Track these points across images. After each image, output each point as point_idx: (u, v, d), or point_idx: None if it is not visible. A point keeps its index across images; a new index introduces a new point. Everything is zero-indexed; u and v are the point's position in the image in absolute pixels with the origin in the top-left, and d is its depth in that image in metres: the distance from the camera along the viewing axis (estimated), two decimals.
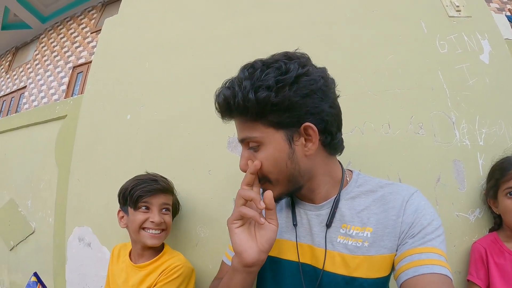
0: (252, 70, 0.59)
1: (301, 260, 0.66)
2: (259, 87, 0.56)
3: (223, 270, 0.79)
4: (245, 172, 0.62)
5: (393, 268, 0.61)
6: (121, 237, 1.16)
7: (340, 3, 1.14)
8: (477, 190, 0.89)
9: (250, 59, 1.15)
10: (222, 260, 0.81)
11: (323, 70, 0.63)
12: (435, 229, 0.58)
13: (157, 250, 1.02)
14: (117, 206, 1.06)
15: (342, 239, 0.63)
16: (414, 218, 0.59)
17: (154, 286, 0.93)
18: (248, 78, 0.58)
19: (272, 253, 0.68)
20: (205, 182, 1.12)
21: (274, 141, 0.60)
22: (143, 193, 0.96)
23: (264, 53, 1.14)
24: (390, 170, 0.91)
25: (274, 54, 0.63)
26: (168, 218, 1.01)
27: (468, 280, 0.86)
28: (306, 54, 0.64)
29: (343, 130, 0.94)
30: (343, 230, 0.63)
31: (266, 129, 0.59)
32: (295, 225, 0.67)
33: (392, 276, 0.63)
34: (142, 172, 1.20)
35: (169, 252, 1.02)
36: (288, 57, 0.60)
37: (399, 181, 0.90)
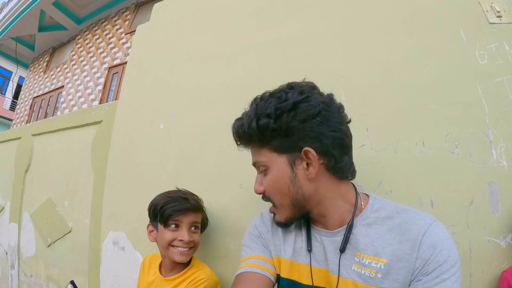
0: (259, 101, 0.67)
1: (317, 284, 0.69)
2: (261, 115, 0.64)
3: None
4: (258, 194, 0.71)
5: None
6: (153, 245, 1.22)
7: (374, 11, 1.10)
8: (511, 215, 0.85)
9: (282, 69, 1.18)
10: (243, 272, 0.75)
11: (328, 96, 0.67)
12: (451, 267, 0.57)
13: (185, 263, 1.07)
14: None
15: (356, 268, 0.64)
16: (430, 254, 0.58)
17: None
18: (254, 109, 0.66)
19: (291, 277, 0.72)
20: (236, 195, 1.16)
21: (278, 165, 0.66)
22: (174, 212, 1.00)
23: (296, 63, 1.17)
24: (422, 192, 0.89)
25: (282, 85, 0.69)
26: (197, 236, 1.05)
27: None
28: (312, 83, 0.69)
29: (376, 147, 0.95)
30: (357, 258, 0.64)
31: (270, 153, 0.66)
32: (309, 250, 0.70)
33: None
34: (173, 184, 1.26)
35: (196, 265, 1.07)
36: (290, 87, 0.66)
37: (431, 204, 0.87)
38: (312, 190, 0.65)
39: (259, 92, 1.22)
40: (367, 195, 0.72)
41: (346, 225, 0.66)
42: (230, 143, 1.22)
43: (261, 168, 0.69)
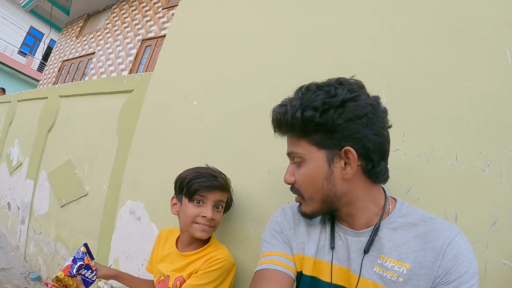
0: (305, 91, 0.65)
1: (336, 282, 0.69)
2: (307, 107, 0.62)
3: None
4: (288, 184, 0.70)
5: None
6: (171, 219, 1.23)
7: (426, 17, 1.09)
8: None
9: (324, 62, 1.16)
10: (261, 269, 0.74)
11: (375, 99, 0.66)
12: (471, 278, 0.58)
13: (204, 241, 1.06)
14: (172, 188, 1.11)
15: (378, 269, 0.64)
16: (452, 264, 0.59)
17: (195, 273, 0.98)
18: (299, 98, 0.64)
19: (313, 274, 0.72)
20: (263, 181, 1.14)
21: (315, 160, 0.65)
22: (201, 187, 0.99)
23: (340, 57, 1.14)
24: (448, 204, 0.90)
25: (330, 79, 0.68)
26: (219, 215, 1.03)
27: None
28: (360, 82, 0.67)
29: (410, 153, 0.95)
30: (380, 260, 0.64)
31: (309, 146, 0.65)
32: (332, 248, 0.70)
33: None
34: (201, 161, 1.25)
35: (214, 244, 1.06)
36: (340, 82, 0.65)
37: (455, 218, 0.88)
38: (345, 190, 0.65)
39: (297, 81, 1.21)
40: (394, 199, 0.73)
41: (372, 227, 0.67)
42: (263, 127, 1.22)
43: (296, 159, 0.68)
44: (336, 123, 0.61)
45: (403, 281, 0.61)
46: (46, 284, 0.99)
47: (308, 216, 0.71)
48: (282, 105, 0.68)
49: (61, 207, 2.09)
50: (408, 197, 0.92)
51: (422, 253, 0.61)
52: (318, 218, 0.75)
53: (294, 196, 1.11)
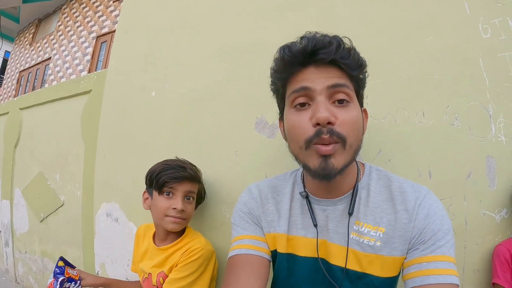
0: (335, 37, 0.59)
1: (314, 255, 0.68)
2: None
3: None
4: (325, 124, 0.56)
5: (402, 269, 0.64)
6: (147, 215, 1.22)
7: None
8: (507, 189, 0.88)
9: (281, 33, 1.14)
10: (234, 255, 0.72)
11: None
12: (445, 234, 0.59)
13: (179, 232, 1.07)
14: (143, 184, 1.11)
15: (355, 236, 0.64)
16: (425, 223, 0.59)
17: (175, 266, 0.99)
18: (337, 37, 0.59)
19: (288, 250, 0.71)
20: (231, 162, 1.15)
21: (357, 107, 0.61)
22: (169, 179, 0.99)
23: (298, 26, 1.12)
24: (420, 162, 0.91)
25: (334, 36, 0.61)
26: (190, 207, 1.03)
27: (494, 284, 0.85)
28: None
29: (376, 115, 0.96)
30: (356, 226, 0.64)
31: (352, 92, 0.61)
32: (315, 225, 0.68)
33: (400, 276, 0.65)
34: (168, 152, 1.25)
35: (190, 234, 1.07)
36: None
37: (429, 175, 0.90)
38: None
39: (255, 58, 1.22)
40: (362, 163, 0.73)
41: (347, 193, 0.67)
42: (224, 108, 1.22)
43: (342, 96, 0.58)
44: (364, 82, 0.64)
45: (380, 245, 0.62)
46: None
47: (334, 173, 0.58)
48: (324, 35, 0.58)
49: (41, 221, 2.07)
50: (379, 160, 0.93)
51: (395, 215, 0.62)
52: (286, 194, 0.73)
53: (264, 174, 1.14)
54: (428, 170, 0.90)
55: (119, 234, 1.43)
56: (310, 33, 0.59)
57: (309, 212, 0.69)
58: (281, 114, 0.69)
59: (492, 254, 0.87)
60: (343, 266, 0.65)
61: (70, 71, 6.76)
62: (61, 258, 1.05)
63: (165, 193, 1.01)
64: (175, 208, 0.99)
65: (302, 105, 0.59)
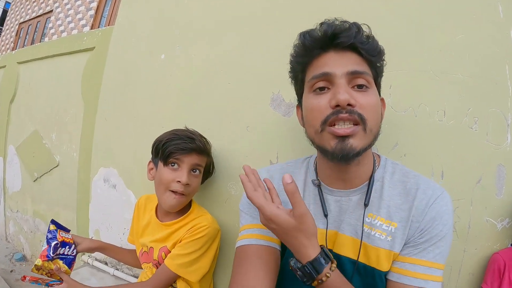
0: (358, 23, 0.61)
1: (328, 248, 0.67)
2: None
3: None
4: (345, 106, 0.57)
5: None
6: (148, 185, 1.18)
7: None
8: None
9: (298, 8, 1.06)
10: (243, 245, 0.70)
11: None
12: (440, 241, 0.60)
13: (185, 208, 1.03)
14: (146, 152, 1.06)
15: (367, 228, 0.64)
16: (428, 226, 0.60)
17: (179, 242, 0.96)
18: (357, 24, 0.61)
19: None
20: (241, 138, 1.09)
21: (376, 93, 0.63)
22: (176, 150, 0.93)
23: (316, 7, 1.04)
24: (435, 161, 0.91)
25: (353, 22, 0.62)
26: (196, 181, 0.98)
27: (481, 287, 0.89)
28: None
29: (397, 107, 0.94)
30: (369, 219, 0.64)
31: (371, 78, 0.61)
32: (326, 215, 0.67)
33: None
34: (174, 121, 1.19)
35: (196, 210, 1.03)
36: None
37: (441, 175, 0.90)
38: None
39: (273, 28, 1.13)
40: (378, 155, 0.72)
41: (365, 183, 0.66)
42: (240, 81, 1.15)
43: (361, 82, 0.59)
44: (382, 70, 0.64)
45: (391, 240, 0.62)
46: (23, 278, 0.91)
47: (352, 154, 0.58)
48: (345, 22, 0.60)
49: (34, 181, 2.03)
50: (395, 153, 0.92)
51: (408, 212, 0.62)
52: (298, 182, 0.71)
53: (275, 152, 1.09)
54: (442, 170, 0.90)
55: (116, 201, 1.39)
56: (329, 20, 0.61)
57: (320, 202, 0.68)
58: (299, 100, 0.69)
59: (489, 260, 0.90)
60: (352, 257, 0.65)
61: (72, 25, 6.48)
62: (53, 221, 1.00)
63: (170, 164, 0.96)
64: (179, 182, 0.94)
65: (322, 89, 0.60)
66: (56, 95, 1.79)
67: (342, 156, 0.57)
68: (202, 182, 1.05)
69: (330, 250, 0.66)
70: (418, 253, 0.60)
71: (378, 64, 0.64)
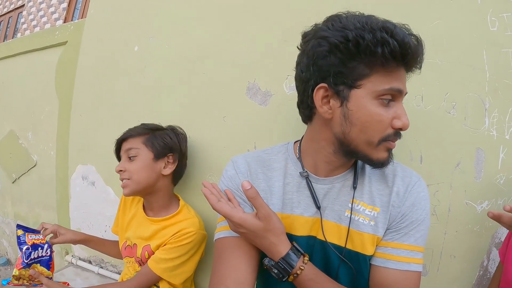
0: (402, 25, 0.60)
1: (310, 233, 0.68)
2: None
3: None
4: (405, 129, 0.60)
5: None
6: None
7: None
8: (490, 183, 0.93)
9: None
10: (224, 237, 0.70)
11: None
12: (420, 225, 0.63)
13: (172, 205, 1.03)
14: None
15: (349, 213, 0.65)
16: (408, 211, 0.63)
17: (164, 245, 0.96)
18: (408, 29, 0.60)
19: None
20: (219, 128, 1.09)
21: None
22: (116, 144, 1.02)
23: None
24: (413, 145, 0.92)
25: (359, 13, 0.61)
26: (131, 166, 0.97)
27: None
28: None
29: None
30: (351, 204, 0.65)
31: None
32: (319, 207, 0.67)
33: None
34: (150, 112, 1.20)
35: (184, 211, 1.02)
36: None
37: (420, 159, 0.92)
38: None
39: (252, 15, 1.12)
40: None
41: (347, 170, 0.67)
42: (216, 70, 1.14)
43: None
44: None
45: (374, 224, 0.64)
46: None
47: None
48: (409, 34, 0.58)
49: (13, 182, 1.99)
50: None
51: (388, 197, 0.64)
52: (277, 170, 0.71)
53: (253, 142, 1.09)
54: (420, 154, 0.92)
55: (96, 198, 1.37)
56: (396, 27, 0.57)
57: (308, 191, 0.68)
58: (334, 84, 0.58)
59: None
60: (338, 244, 0.66)
61: (44, 19, 6.30)
62: (18, 226, 0.95)
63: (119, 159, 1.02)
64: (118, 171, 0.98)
65: (386, 100, 0.58)
66: (31, 92, 1.75)
67: (383, 165, 0.61)
68: (178, 166, 1.04)
69: (315, 237, 0.68)
70: (400, 238, 0.63)
71: None
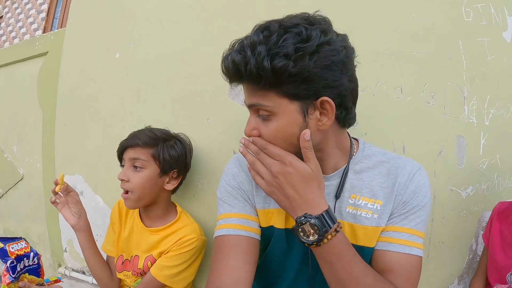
0: (268, 33, 0.55)
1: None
2: (276, 54, 0.53)
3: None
4: (249, 137, 0.63)
5: None
6: (115, 186, 1.16)
7: None
8: (473, 169, 0.96)
9: None
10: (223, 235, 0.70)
11: (345, 39, 0.61)
12: (420, 210, 0.64)
13: (170, 213, 1.02)
14: (109, 155, 1.05)
15: (351, 209, 0.67)
16: (410, 197, 0.65)
17: (166, 253, 0.95)
18: (263, 42, 0.54)
19: (287, 225, 0.70)
20: (203, 131, 1.09)
21: (287, 113, 0.58)
22: (118, 149, 0.97)
23: None
24: (395, 137, 0.94)
25: (292, 16, 0.58)
26: (136, 176, 0.93)
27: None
28: (328, 18, 0.60)
29: None
30: (352, 200, 0.67)
31: (279, 99, 0.57)
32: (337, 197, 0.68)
33: None
34: (134, 118, 1.19)
35: (182, 218, 1.01)
36: (309, 22, 0.56)
37: (402, 150, 0.94)
38: (318, 140, 0.62)
39: (231, 18, 1.13)
40: (356, 139, 0.74)
41: (339, 170, 0.68)
42: (197, 73, 1.15)
43: (262, 113, 0.60)
44: (312, 72, 0.54)
45: (378, 217, 0.65)
46: None
47: None
48: (238, 51, 0.56)
49: (0, 197, 1.96)
50: (356, 132, 0.93)
51: (391, 189, 0.65)
52: None
53: (238, 143, 1.09)
54: (402, 145, 0.94)
55: (85, 208, 1.35)
56: (230, 50, 0.60)
57: None
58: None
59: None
60: None
61: (23, 30, 6.18)
62: None
63: (121, 166, 0.98)
64: (120, 179, 0.94)
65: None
66: (14, 104, 1.73)
67: None
68: (181, 177, 1.02)
69: None
70: (401, 221, 0.64)
71: (295, 82, 0.59)
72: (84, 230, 0.99)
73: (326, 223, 0.56)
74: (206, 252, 1.06)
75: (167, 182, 0.98)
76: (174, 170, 0.98)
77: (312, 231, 0.56)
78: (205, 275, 1.12)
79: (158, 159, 0.94)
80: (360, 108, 0.91)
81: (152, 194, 0.96)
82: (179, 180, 1.01)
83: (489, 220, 0.95)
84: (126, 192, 0.93)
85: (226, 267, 0.64)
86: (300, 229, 0.57)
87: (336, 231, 0.57)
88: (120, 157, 0.98)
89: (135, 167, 0.94)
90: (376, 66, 0.95)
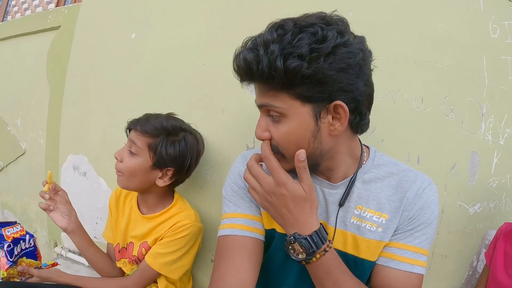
0: (282, 32, 0.53)
1: None
2: (290, 54, 0.51)
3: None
4: (260, 140, 0.62)
5: None
6: None
7: None
8: (483, 186, 0.96)
9: None
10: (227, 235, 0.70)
11: (362, 41, 0.58)
12: (426, 228, 0.63)
13: (167, 199, 1.00)
14: (116, 136, 1.03)
15: (356, 220, 0.65)
16: (417, 214, 0.63)
17: (160, 239, 0.94)
18: (276, 41, 0.52)
19: (283, 230, 0.68)
20: (216, 122, 1.07)
21: (299, 116, 0.57)
22: (128, 125, 0.94)
23: None
24: (411, 147, 0.93)
25: (308, 15, 0.56)
26: (129, 160, 0.90)
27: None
28: (345, 19, 0.57)
29: (376, 93, 0.91)
30: (358, 211, 0.65)
31: (291, 100, 0.56)
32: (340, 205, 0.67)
33: None
34: (144, 103, 1.16)
35: (179, 204, 0.99)
36: (326, 22, 0.54)
37: (417, 160, 0.93)
38: (330, 146, 0.60)
39: (253, 10, 1.10)
40: (367, 147, 0.72)
41: (348, 178, 0.66)
42: (215, 61, 1.12)
43: (273, 113, 0.58)
44: (326, 75, 0.52)
45: (382, 231, 0.64)
46: None
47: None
48: (251, 49, 0.54)
49: (0, 171, 1.94)
50: (372, 138, 0.93)
51: (399, 203, 0.64)
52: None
53: (252, 137, 1.07)
54: (418, 155, 0.93)
55: (88, 189, 1.35)
56: (243, 47, 0.59)
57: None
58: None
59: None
60: (341, 249, 0.66)
61: (36, 2, 6.14)
62: None
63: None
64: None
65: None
66: (20, 78, 1.70)
67: None
68: (180, 178, 0.98)
69: None
70: (405, 238, 0.63)
71: (308, 84, 0.57)
72: (77, 231, 0.95)
73: (314, 244, 0.57)
74: (204, 241, 1.05)
75: (160, 178, 0.93)
76: (169, 168, 0.93)
77: (301, 250, 0.58)
78: (203, 265, 1.11)
79: (153, 151, 0.90)
80: (380, 115, 0.91)
81: (143, 184, 0.93)
82: (172, 180, 0.95)
83: (493, 239, 0.94)
84: (119, 172, 0.92)
85: (231, 268, 0.64)
86: (290, 247, 0.59)
87: (325, 250, 0.58)
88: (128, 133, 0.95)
89: (131, 151, 0.91)
90: (400, 72, 0.94)
